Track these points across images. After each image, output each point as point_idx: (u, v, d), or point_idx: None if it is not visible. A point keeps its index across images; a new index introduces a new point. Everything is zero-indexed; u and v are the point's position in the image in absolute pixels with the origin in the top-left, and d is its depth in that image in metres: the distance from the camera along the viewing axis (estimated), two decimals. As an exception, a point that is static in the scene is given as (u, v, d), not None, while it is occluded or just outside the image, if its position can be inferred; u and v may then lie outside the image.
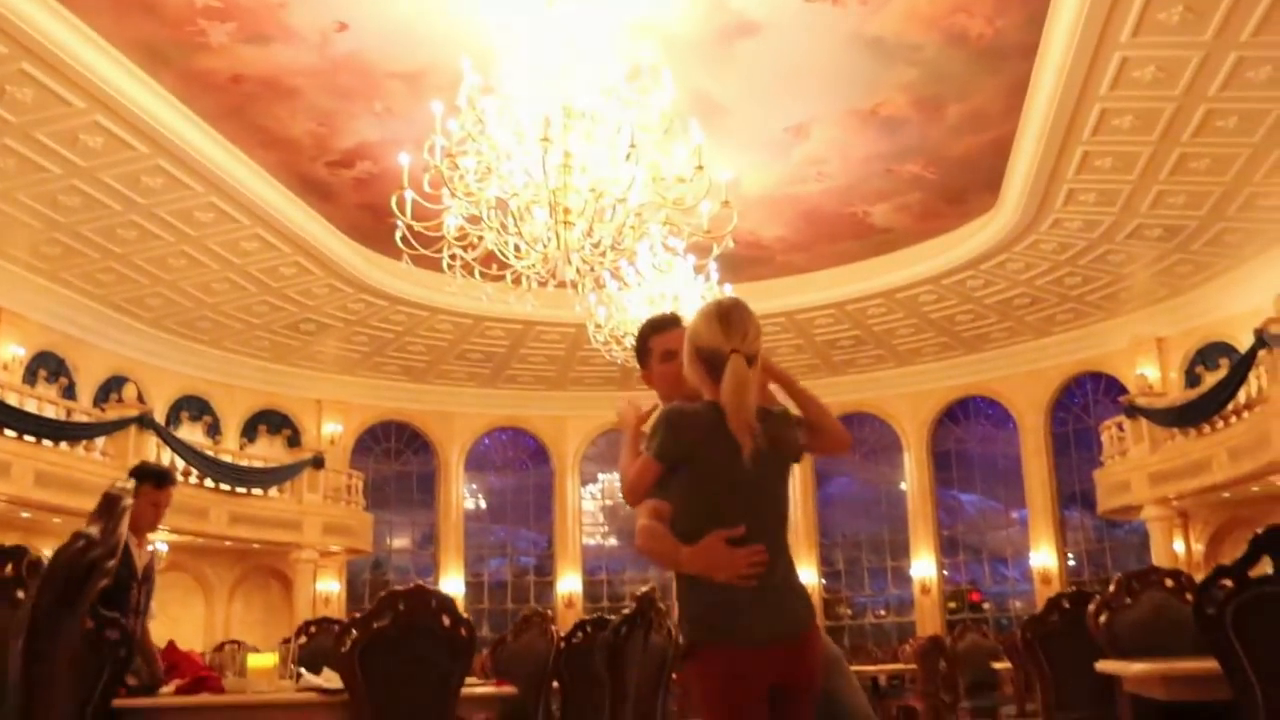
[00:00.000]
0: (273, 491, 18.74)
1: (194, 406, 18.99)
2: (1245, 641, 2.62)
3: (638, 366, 3.46)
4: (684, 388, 3.10)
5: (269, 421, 20.23)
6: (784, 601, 2.87)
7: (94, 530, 1.53)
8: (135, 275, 15.25)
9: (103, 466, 15.19)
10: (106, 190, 12.79)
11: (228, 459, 18.30)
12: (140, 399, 16.67)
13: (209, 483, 17.38)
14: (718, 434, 2.82)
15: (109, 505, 1.58)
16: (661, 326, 3.39)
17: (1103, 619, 3.99)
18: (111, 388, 16.86)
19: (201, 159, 12.43)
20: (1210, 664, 2.77)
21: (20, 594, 2.29)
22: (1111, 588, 4.12)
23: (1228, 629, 2.63)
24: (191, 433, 18.53)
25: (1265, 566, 2.64)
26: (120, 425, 15.76)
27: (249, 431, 19.93)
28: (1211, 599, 2.65)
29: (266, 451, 19.77)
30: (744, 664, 2.75)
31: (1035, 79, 11.54)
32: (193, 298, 16.24)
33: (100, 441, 15.57)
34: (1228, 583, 2.68)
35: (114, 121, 11.43)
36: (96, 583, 1.51)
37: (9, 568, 2.36)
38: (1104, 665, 3.63)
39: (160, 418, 17.26)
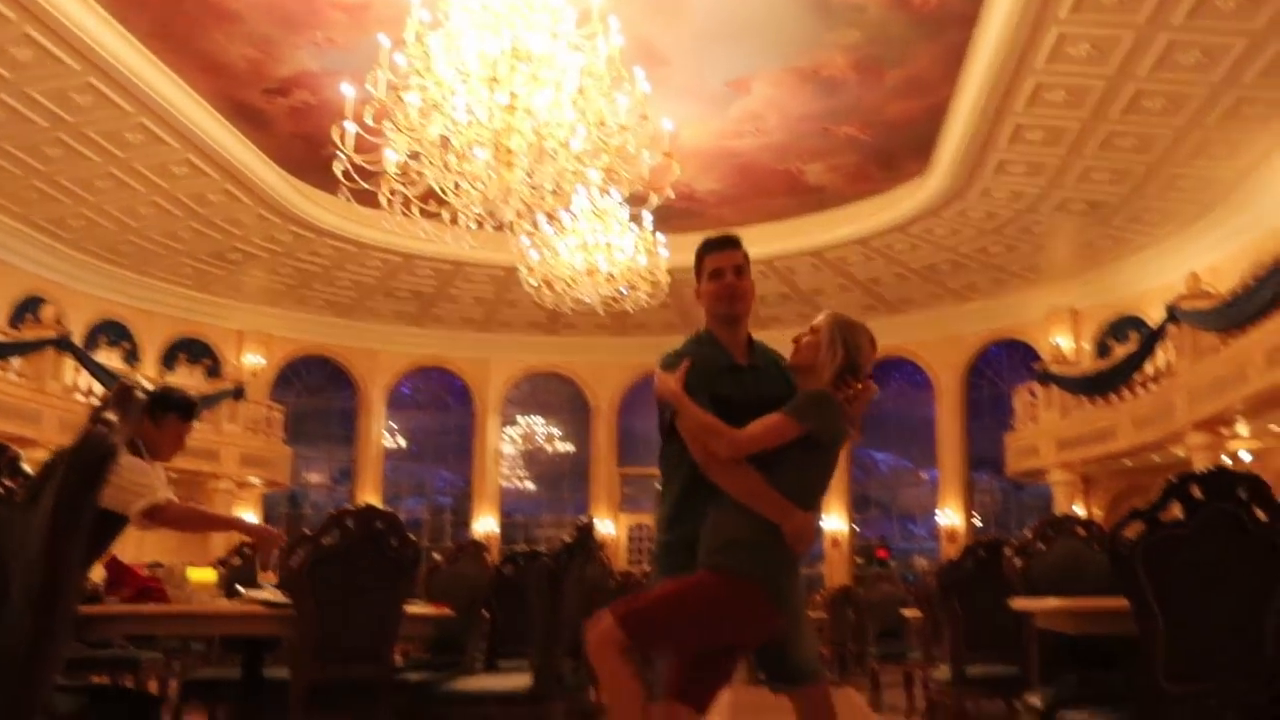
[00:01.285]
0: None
1: (113, 331, 18.66)
2: (1153, 580, 2.84)
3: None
4: (725, 307, 3.40)
5: (189, 350, 19.96)
6: (799, 581, 3.22)
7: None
8: (58, 194, 14.90)
9: (17, 387, 14.93)
10: (34, 106, 12.48)
11: (145, 384, 18.00)
12: (58, 321, 16.35)
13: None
14: (844, 426, 3.15)
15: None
16: (716, 245, 3.49)
17: (1019, 562, 4.23)
18: (29, 308, 16.51)
19: (134, 79, 12.17)
20: (1117, 602, 2.99)
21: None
22: (1028, 534, 4.37)
23: (1138, 567, 2.85)
24: (109, 358, 18.19)
25: (1176, 512, 2.86)
26: (36, 346, 15.47)
27: (168, 360, 19.65)
28: (1124, 539, 2.87)
29: (186, 380, 19.47)
30: (761, 614, 3.01)
31: (973, 49, 11.77)
32: (117, 221, 15.93)
33: (15, 362, 15.28)
34: (1138, 526, 2.90)
35: (46, 36, 11.14)
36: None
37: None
38: (1018, 603, 3.86)
39: (78, 341, 16.93)
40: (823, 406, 3.11)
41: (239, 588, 4.66)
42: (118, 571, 4.47)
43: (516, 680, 4.28)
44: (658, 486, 3.52)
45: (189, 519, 4.56)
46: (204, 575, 4.64)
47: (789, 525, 3.05)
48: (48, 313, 16.18)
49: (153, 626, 4.15)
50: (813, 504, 3.13)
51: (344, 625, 3.85)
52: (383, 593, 3.95)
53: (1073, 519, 4.41)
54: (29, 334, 15.61)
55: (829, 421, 3.11)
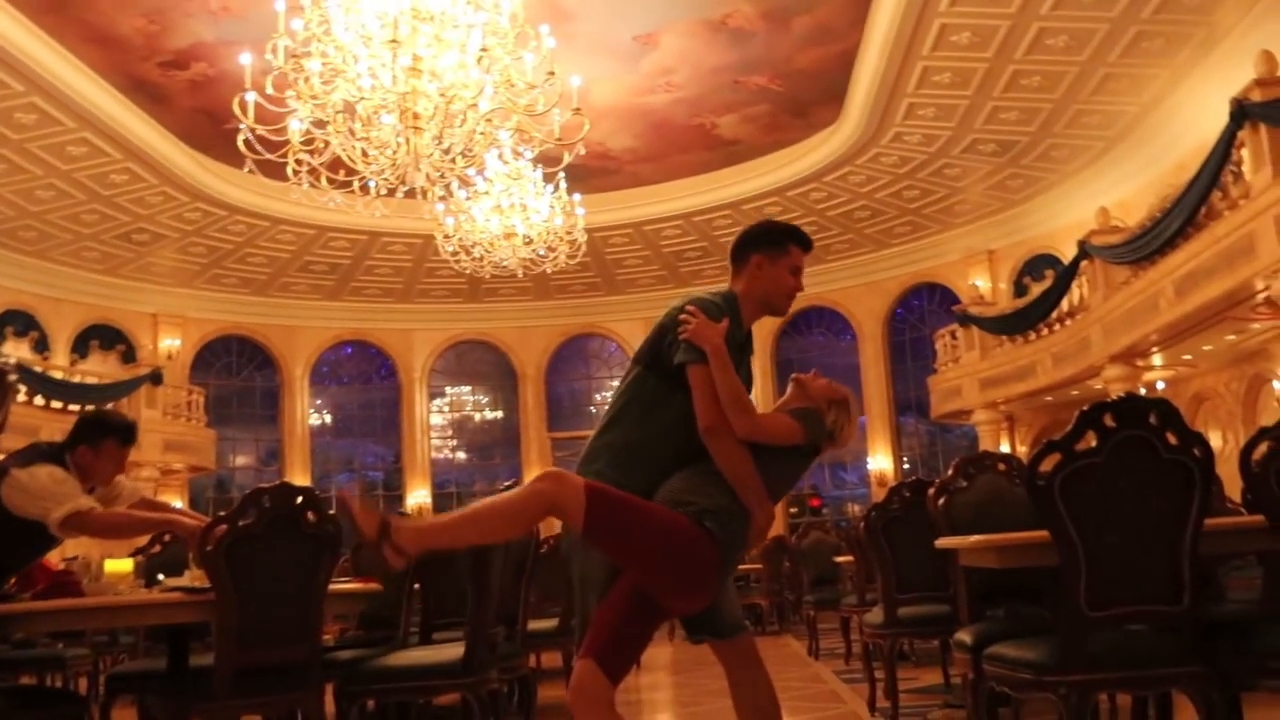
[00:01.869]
0: (108, 408, 18.07)
1: (19, 321, 18.12)
2: (1071, 508, 2.87)
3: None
4: (783, 303, 3.37)
5: (101, 336, 19.47)
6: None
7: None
8: (-50, 182, 14.40)
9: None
10: (-84, 89, 12.02)
11: (58, 375, 17.55)
12: (-41, 313, 15.84)
13: (39, 400, 16.65)
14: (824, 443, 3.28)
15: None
16: (808, 245, 3.40)
17: (941, 501, 4.25)
18: (-75, 301, 15.98)
19: (20, 55, 11.73)
20: (1038, 534, 3.01)
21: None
22: (950, 472, 4.39)
23: (1056, 497, 2.87)
24: (17, 349, 17.68)
25: (1090, 441, 2.88)
26: (-61, 340, 14.98)
27: (80, 347, 19.14)
28: (1041, 472, 2.89)
29: (100, 367, 19.04)
30: (704, 578, 3.02)
31: (879, -7, 11.78)
32: (15, 205, 15.41)
33: (-82, 358, 14.79)
34: (1055, 457, 2.91)
35: (-77, 14, 10.72)
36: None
37: None
38: (942, 542, 3.88)
39: (-18, 333, 16.45)
40: (822, 425, 3.23)
41: (160, 576, 4.55)
42: (28, 568, 4.34)
43: (449, 652, 4.22)
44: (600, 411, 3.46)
45: (114, 526, 4.41)
46: (120, 566, 4.52)
47: (760, 515, 3.10)
48: (-53, 305, 15.67)
49: (67, 621, 4.02)
50: (777, 500, 3.20)
51: (267, 607, 3.76)
52: (305, 572, 3.87)
53: (993, 455, 4.44)
54: (-70, 328, 15.11)
55: (819, 437, 3.23)
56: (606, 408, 3.40)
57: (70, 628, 5.31)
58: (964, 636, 3.65)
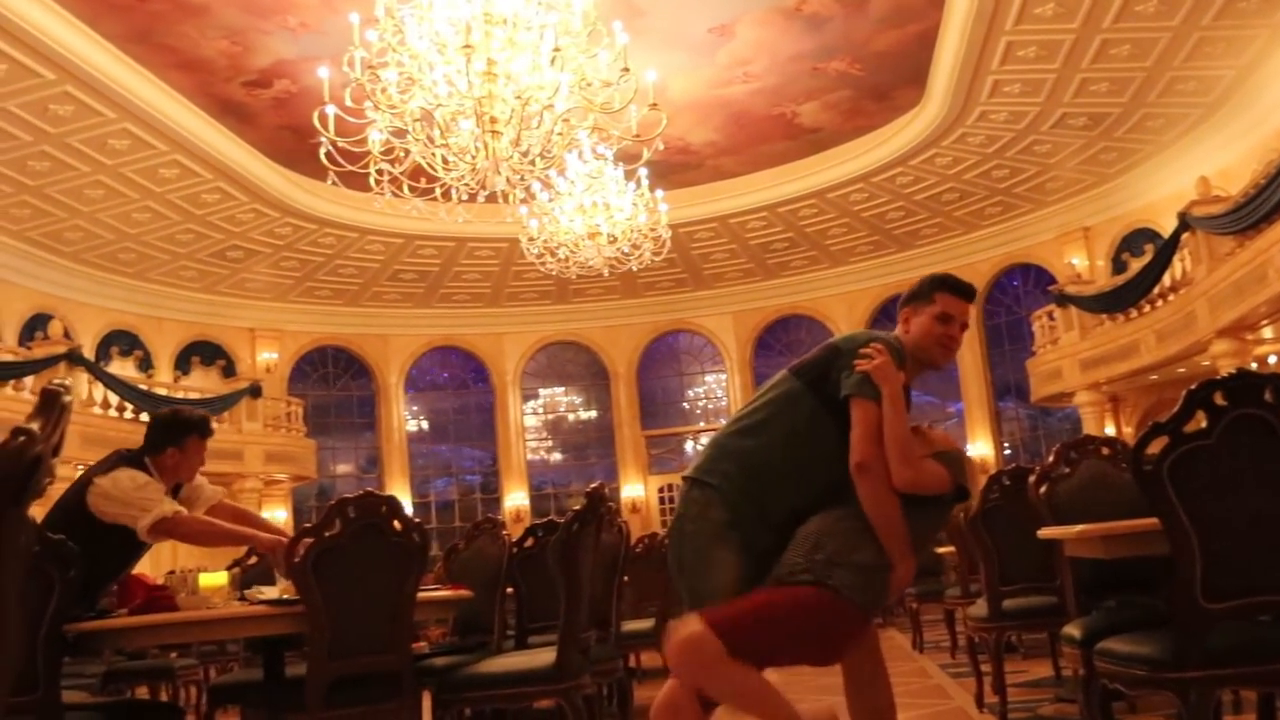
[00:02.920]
0: (178, 407, 18.43)
1: (124, 341, 18.63)
2: (1182, 494, 2.69)
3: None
4: (936, 357, 3.26)
5: (202, 352, 19.93)
6: None
7: (34, 425, 1.49)
8: (51, 209, 14.82)
9: (32, 406, 14.88)
10: (13, 120, 12.35)
11: (163, 392, 18.00)
12: (67, 335, 16.33)
13: (145, 417, 17.07)
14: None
15: (49, 401, 1.54)
16: (956, 290, 3.27)
17: (1043, 489, 4.08)
18: (36, 326, 16.48)
19: (111, 83, 12.03)
20: (1147, 521, 2.84)
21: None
22: (1050, 459, 4.21)
23: (1165, 483, 2.69)
24: (123, 368, 18.20)
25: (1200, 421, 2.71)
26: (49, 363, 15.42)
27: (182, 364, 19.63)
28: (1148, 456, 2.72)
29: (202, 383, 19.50)
30: (855, 638, 2.97)
31: (958, -32, 11.50)
32: (114, 229, 15.84)
33: (29, 381, 15.24)
34: (1162, 440, 2.75)
35: (15, 48, 11.00)
36: (40, 480, 1.48)
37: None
38: (1045, 532, 3.71)
39: (89, 354, 16.91)
40: (962, 468, 3.11)
41: (256, 588, 4.58)
42: (125, 582, 4.40)
43: (541, 658, 4.18)
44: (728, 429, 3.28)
45: (199, 534, 4.48)
46: (215, 579, 4.54)
47: (902, 569, 2.98)
48: (55, 328, 16.14)
49: (161, 636, 4.06)
50: (923, 551, 3.18)
51: (356, 617, 3.75)
52: (392, 580, 3.84)
53: (1095, 439, 4.25)
54: (39, 351, 15.57)
55: (964, 482, 3.11)
56: (748, 405, 3.27)
57: (164, 642, 5.39)
58: (1073, 631, 3.49)
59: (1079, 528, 3.31)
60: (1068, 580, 3.89)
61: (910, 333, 3.23)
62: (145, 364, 18.88)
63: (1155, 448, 2.76)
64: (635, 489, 22.47)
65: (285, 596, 3.86)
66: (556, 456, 24.36)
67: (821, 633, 2.84)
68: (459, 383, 23.49)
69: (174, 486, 4.51)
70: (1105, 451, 4.23)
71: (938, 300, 3.21)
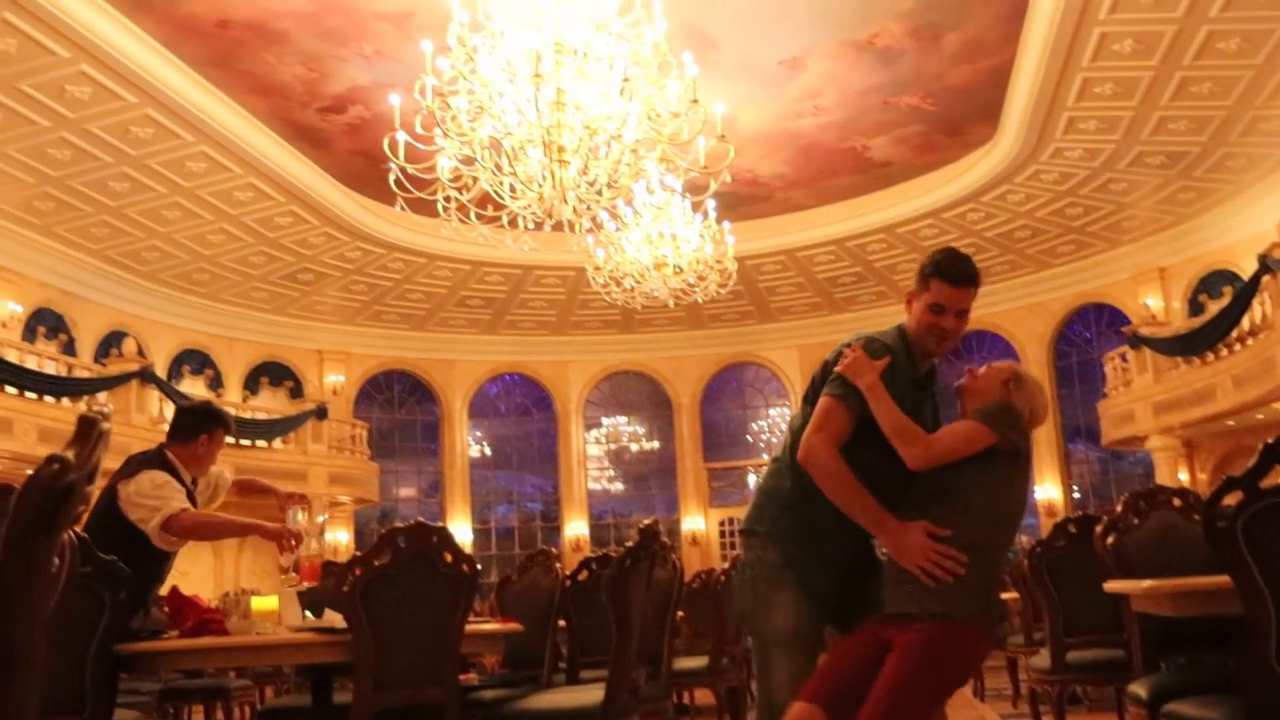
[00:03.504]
0: (277, 443, 18.73)
1: (195, 360, 18.95)
2: (1257, 553, 2.56)
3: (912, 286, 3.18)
4: (931, 346, 3.11)
5: (271, 373, 20.21)
6: None
7: (69, 454, 1.47)
8: (129, 229, 15.14)
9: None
10: (96, 142, 12.66)
11: (231, 411, 18.20)
12: (140, 353, 16.65)
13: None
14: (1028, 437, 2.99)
15: (86, 429, 1.52)
16: (949, 276, 3.06)
17: (1110, 540, 3.94)
18: (111, 343, 16.83)
19: (190, 107, 12.28)
20: (1219, 579, 2.72)
21: None
22: (1119, 509, 4.07)
23: (1239, 540, 2.57)
24: (194, 386, 18.50)
25: (1276, 476, 2.59)
26: (122, 380, 15.73)
27: (251, 384, 19.91)
28: (1221, 511, 2.60)
29: (270, 403, 19.76)
30: (988, 644, 2.94)
31: (1033, 4, 11.35)
32: (189, 250, 16.14)
33: (102, 397, 15.55)
34: (1236, 495, 2.63)
35: (100, 71, 11.27)
36: (74, 508, 1.46)
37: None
38: (1112, 585, 3.58)
39: (161, 372, 17.22)
40: (1012, 413, 2.92)
41: (308, 614, 4.57)
42: (178, 603, 4.41)
43: (589, 695, 4.11)
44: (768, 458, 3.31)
45: (201, 527, 4.55)
46: (267, 604, 4.55)
47: (886, 538, 2.88)
48: (130, 346, 16.46)
49: (210, 660, 4.06)
50: (1016, 524, 2.98)
51: (403, 647, 3.72)
52: (441, 612, 3.81)
53: (1166, 490, 4.11)
54: (113, 368, 15.89)
55: (1018, 428, 2.92)
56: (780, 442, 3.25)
57: (213, 666, 5.41)
58: (1139, 690, 3.35)
59: (1147, 583, 3.18)
60: (1135, 635, 3.75)
61: (912, 320, 3.12)
62: (215, 383, 19.18)
63: (1230, 501, 2.65)
64: (696, 521, 22.33)
65: (334, 625, 3.84)
66: (618, 486, 24.29)
67: (966, 664, 2.82)
68: (522, 410, 23.55)
69: (192, 479, 4.58)
70: (1177, 503, 4.09)
71: (932, 287, 3.06)
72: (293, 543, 4.40)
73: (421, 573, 3.75)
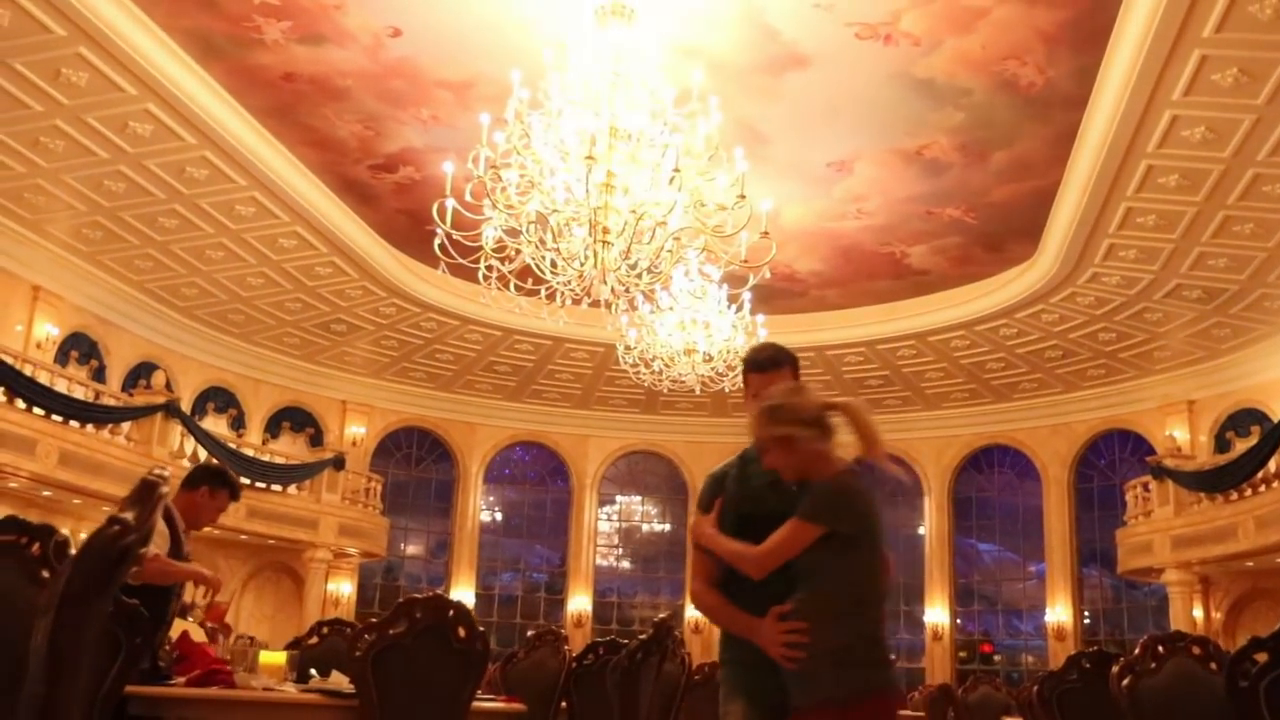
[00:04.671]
0: (292, 489, 18.77)
1: (220, 398, 19.07)
2: (1278, 716, 2.56)
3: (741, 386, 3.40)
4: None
5: (293, 419, 20.28)
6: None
7: (129, 516, 1.51)
8: (172, 264, 15.36)
9: (127, 451, 15.27)
10: (151, 178, 12.90)
11: (250, 453, 18.34)
12: (168, 387, 16.78)
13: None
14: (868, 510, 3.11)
15: (146, 492, 1.57)
16: (755, 365, 3.32)
17: (1125, 682, 3.91)
18: (141, 373, 16.97)
19: (247, 153, 12.52)
20: (1237, 737, 2.70)
21: (45, 573, 2.28)
22: (1137, 651, 4.04)
23: (1261, 703, 2.56)
24: (216, 424, 18.60)
25: (1303, 642, 2.58)
26: (147, 412, 15.85)
27: (272, 427, 19.98)
28: (1245, 671, 2.59)
29: (289, 448, 19.81)
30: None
31: (1083, 131, 11.48)
32: (227, 290, 16.34)
33: (126, 426, 15.66)
34: (1262, 656, 2.62)
35: (164, 110, 11.53)
36: (128, 569, 1.50)
37: (35, 546, 2.35)
38: (1125, 731, 3.56)
39: (186, 407, 17.34)
40: (836, 498, 2.98)
41: (313, 672, 4.57)
42: (188, 649, 4.43)
43: (587, 783, 4.09)
44: None
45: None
46: (275, 659, 4.57)
47: (756, 640, 3.02)
48: (158, 378, 16.60)
49: (214, 712, 4.05)
50: (875, 601, 3.04)
51: (408, 718, 3.71)
52: (450, 687, 3.81)
53: (1185, 636, 4.07)
54: (140, 399, 16.02)
55: (846, 512, 2.98)
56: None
57: (216, 718, 5.40)
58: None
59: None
60: (1144, 782, 3.70)
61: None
62: (238, 423, 19.27)
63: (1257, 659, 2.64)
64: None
65: (341, 689, 3.85)
66: (625, 565, 24.13)
67: None
68: (538, 479, 23.51)
69: (185, 530, 4.76)
70: (1196, 651, 4.05)
71: (750, 380, 3.32)
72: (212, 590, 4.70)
73: (434, 645, 3.77)
